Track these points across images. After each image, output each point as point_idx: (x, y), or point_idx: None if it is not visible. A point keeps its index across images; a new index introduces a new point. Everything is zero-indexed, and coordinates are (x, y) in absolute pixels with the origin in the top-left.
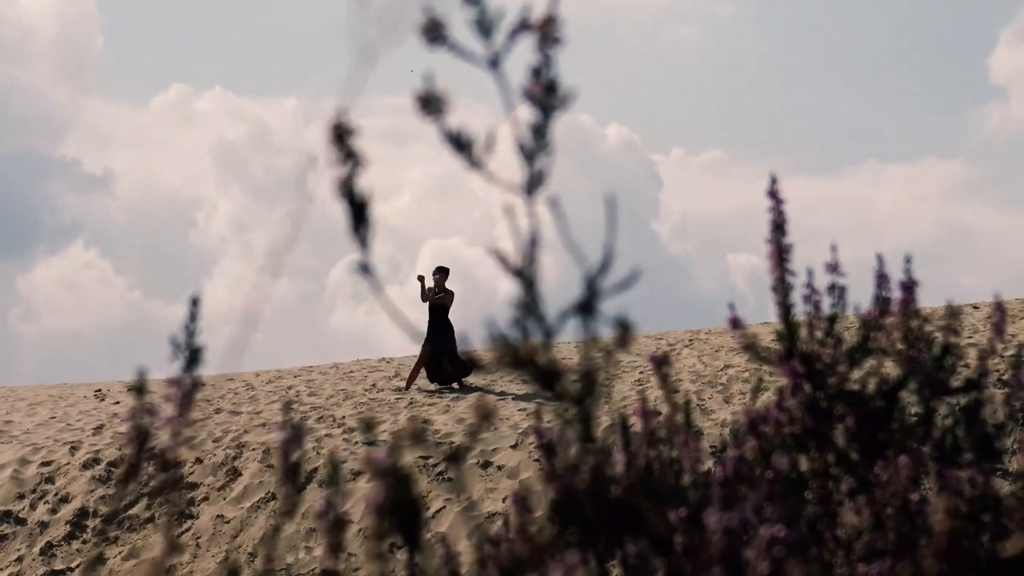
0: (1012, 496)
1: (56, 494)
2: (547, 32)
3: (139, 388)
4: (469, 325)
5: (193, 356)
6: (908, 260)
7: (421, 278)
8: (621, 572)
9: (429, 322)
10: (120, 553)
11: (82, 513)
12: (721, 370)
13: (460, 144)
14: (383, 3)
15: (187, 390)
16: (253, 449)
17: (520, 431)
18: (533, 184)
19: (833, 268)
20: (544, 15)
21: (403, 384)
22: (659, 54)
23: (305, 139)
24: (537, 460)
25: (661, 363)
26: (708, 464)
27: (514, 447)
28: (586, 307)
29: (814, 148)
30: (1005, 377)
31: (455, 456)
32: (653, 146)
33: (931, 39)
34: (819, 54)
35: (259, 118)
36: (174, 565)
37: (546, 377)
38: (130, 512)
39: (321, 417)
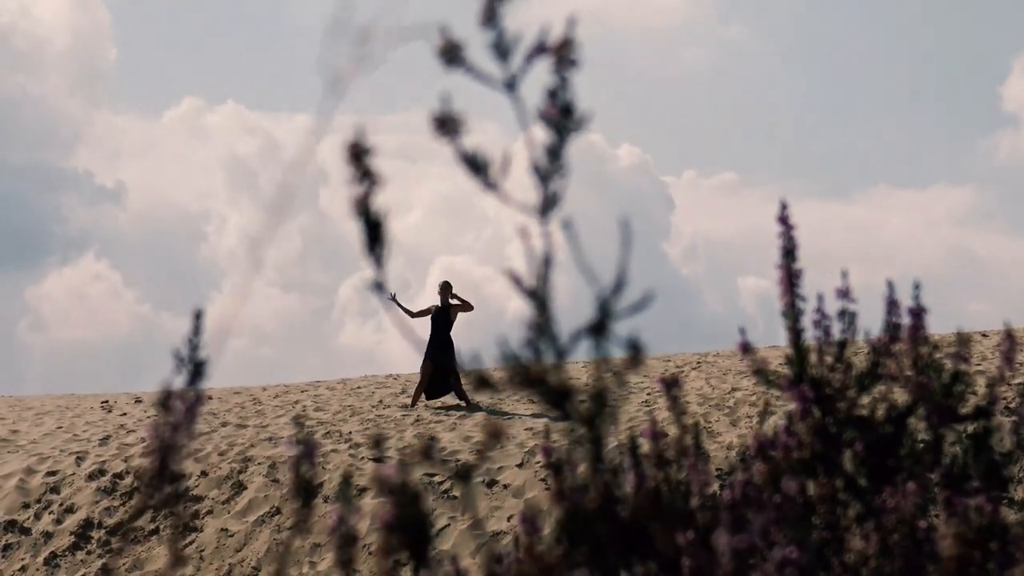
0: (1020, 525)
1: (61, 504)
2: (564, 55)
3: (164, 405)
4: (479, 343)
5: (197, 369)
6: (917, 287)
7: (393, 297)
8: None
9: (430, 336)
10: (124, 565)
11: (87, 524)
12: (728, 393)
13: (476, 166)
14: (355, 35)
15: (191, 403)
16: (259, 463)
17: (526, 450)
18: (547, 205)
19: (844, 294)
20: (561, 38)
21: (409, 401)
22: (672, 76)
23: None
24: (543, 480)
25: (671, 385)
26: (714, 487)
27: (520, 466)
28: (598, 328)
29: (825, 172)
30: (1013, 405)
31: (462, 474)
32: (665, 167)
33: (944, 66)
34: (832, 79)
35: (270, 133)
36: None
37: (556, 397)
38: (135, 524)
39: (328, 432)
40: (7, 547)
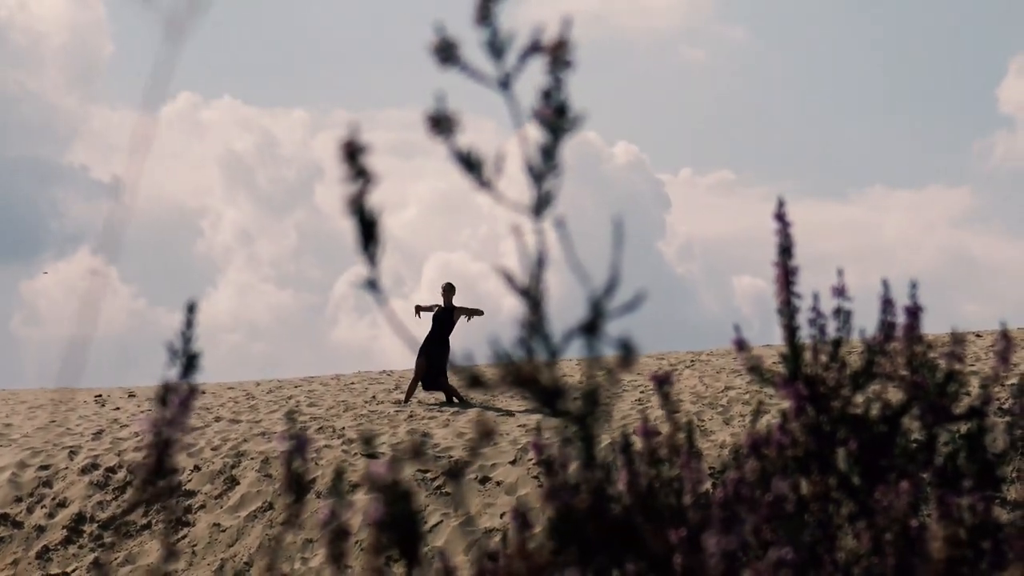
0: (1012, 525)
1: (54, 498)
2: (558, 55)
3: (163, 400)
4: (472, 341)
5: (190, 362)
6: (914, 286)
7: (418, 311)
8: None
9: (429, 334)
10: (116, 559)
11: (79, 518)
12: (722, 392)
13: (470, 164)
14: None
15: (184, 396)
16: (252, 458)
17: (519, 447)
18: (541, 205)
19: (839, 292)
20: (556, 38)
21: (403, 396)
22: (670, 75)
23: (312, 150)
24: (536, 477)
25: (663, 382)
26: (707, 485)
27: (513, 463)
28: (591, 328)
29: (821, 171)
30: (1006, 406)
31: (454, 471)
32: (662, 165)
33: (941, 68)
34: (829, 79)
35: (267, 128)
36: (170, 572)
37: (548, 396)
38: (127, 518)
39: (321, 428)
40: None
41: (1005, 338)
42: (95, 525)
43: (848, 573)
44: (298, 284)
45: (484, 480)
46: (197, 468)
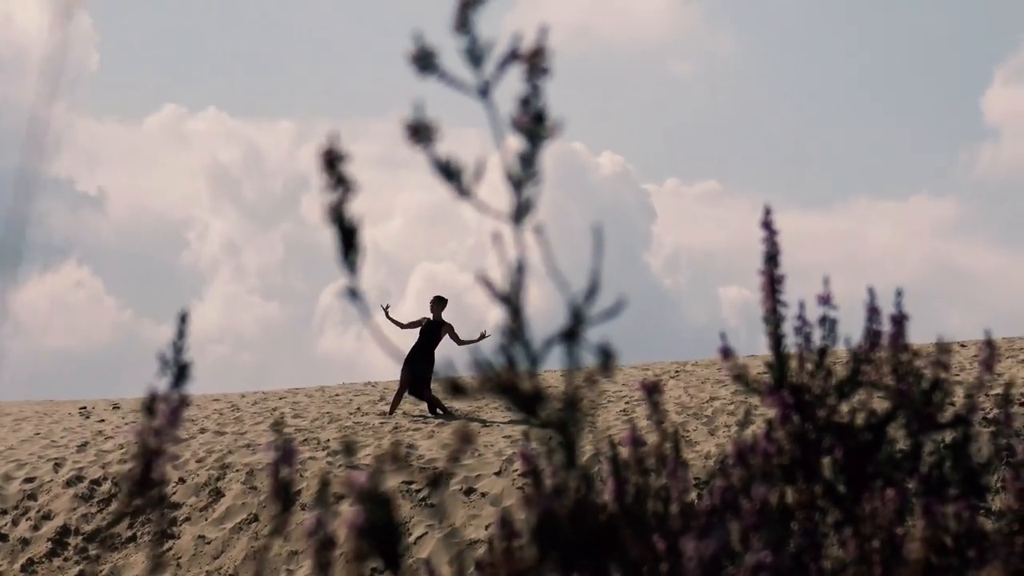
0: (997, 532)
1: (39, 511)
2: (535, 63)
3: (150, 409)
4: (458, 351)
5: (181, 373)
6: (899, 294)
7: (386, 310)
8: None
9: (415, 346)
10: (102, 571)
11: (64, 530)
12: (707, 402)
13: (449, 173)
14: None
15: (175, 407)
16: (237, 470)
17: (504, 458)
18: (521, 212)
19: (825, 300)
20: (533, 46)
21: (388, 408)
22: (658, 86)
23: (298, 161)
24: (521, 488)
25: (652, 390)
26: (692, 495)
27: (498, 474)
28: (571, 334)
29: (806, 182)
30: (990, 415)
31: (435, 481)
32: (648, 175)
33: (926, 78)
34: (815, 90)
35: (252, 139)
36: None
37: (528, 403)
38: (112, 531)
39: (305, 440)
40: None
41: (990, 346)
42: (80, 538)
43: None
44: (284, 296)
45: (469, 491)
46: (182, 480)
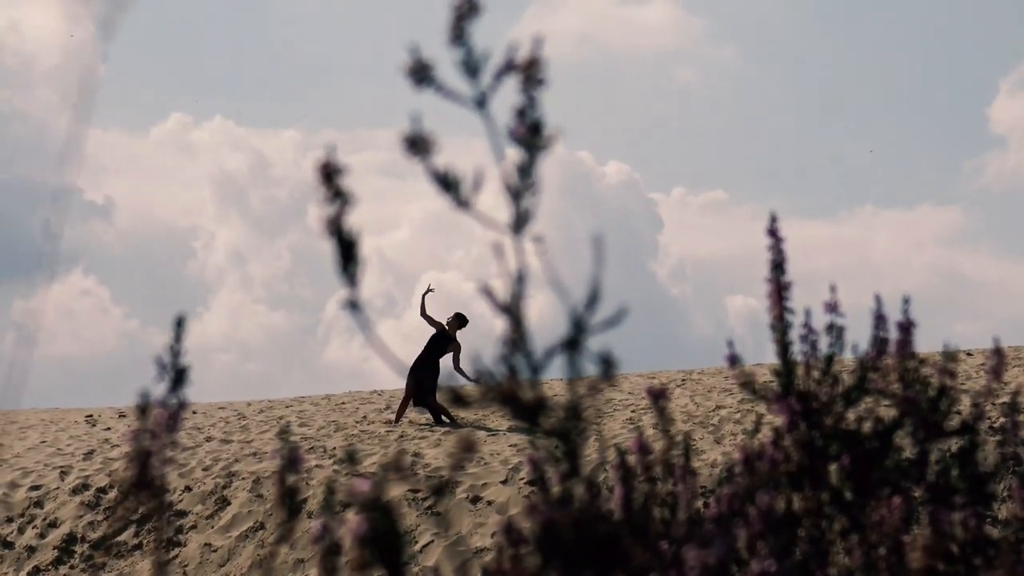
0: (1003, 540)
1: (45, 519)
2: (531, 73)
3: (143, 410)
4: (464, 360)
5: (178, 377)
6: (907, 301)
7: (429, 290)
8: None
9: (420, 354)
10: None
11: (70, 538)
12: (713, 411)
13: (447, 184)
14: None
15: (173, 411)
16: (243, 478)
17: (510, 467)
18: (520, 222)
19: (832, 308)
20: (528, 57)
21: (393, 417)
22: (661, 94)
23: (304, 170)
24: (527, 496)
25: (659, 397)
26: (699, 504)
27: (504, 482)
28: (572, 344)
29: (811, 191)
30: (996, 424)
31: (439, 489)
32: (655, 184)
33: (931, 87)
34: (820, 98)
35: (258, 148)
36: None
37: (529, 412)
38: (118, 539)
39: (311, 448)
40: None
41: (998, 354)
42: (86, 545)
43: None
44: (290, 304)
45: (475, 500)
46: (188, 488)
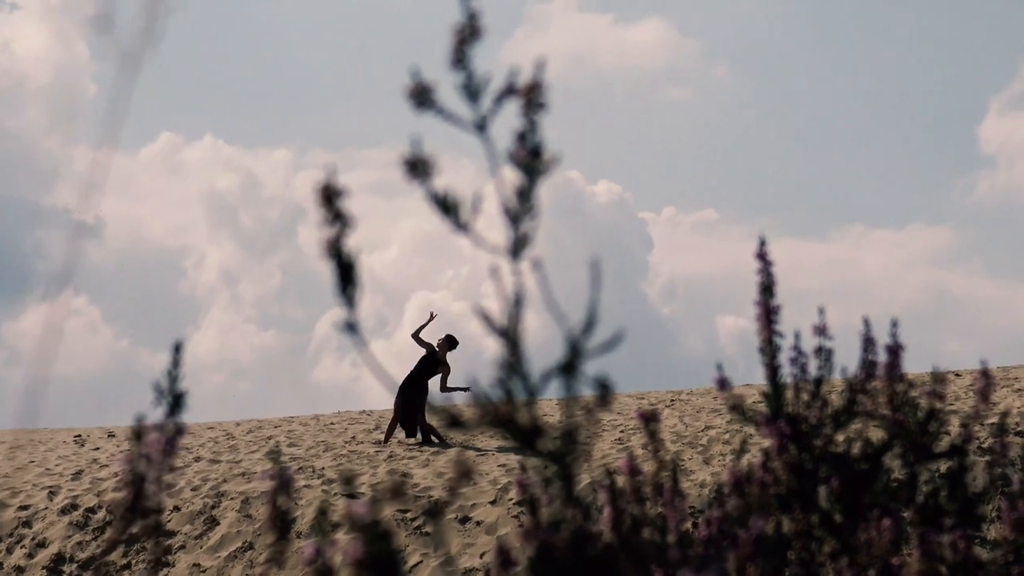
0: (993, 562)
1: (33, 539)
2: (532, 97)
3: (139, 434)
4: (453, 381)
5: (176, 401)
6: (895, 324)
7: (432, 317)
8: None
9: (409, 374)
10: None
11: (59, 558)
12: (702, 431)
13: (447, 207)
14: (131, 14)
15: (170, 435)
16: (232, 498)
17: (499, 487)
18: (518, 246)
19: (820, 331)
20: (529, 81)
21: (383, 437)
22: (653, 114)
23: (294, 189)
24: (516, 516)
25: (649, 419)
26: (687, 525)
27: (493, 503)
28: (569, 367)
29: (801, 211)
30: (986, 445)
31: (434, 511)
32: (645, 204)
33: (922, 107)
34: (811, 118)
35: (249, 168)
36: None
37: (526, 436)
38: (107, 559)
39: (300, 468)
40: None
41: (986, 376)
42: (75, 565)
43: None
44: (281, 324)
45: (464, 520)
46: (177, 508)
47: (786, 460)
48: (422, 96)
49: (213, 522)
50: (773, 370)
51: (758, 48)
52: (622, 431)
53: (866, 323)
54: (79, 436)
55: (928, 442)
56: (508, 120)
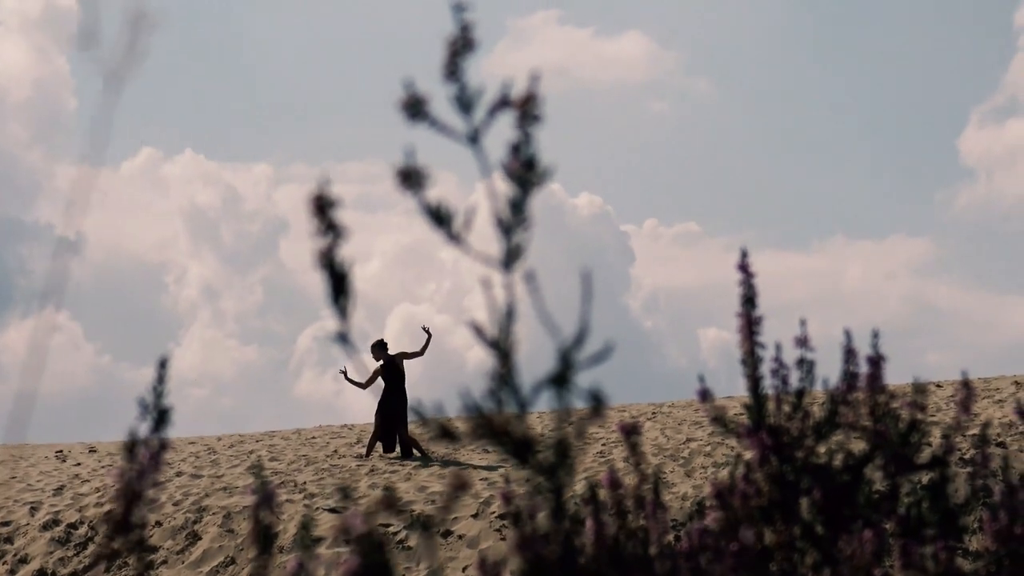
0: (975, 573)
1: (15, 555)
2: (527, 110)
3: (130, 450)
4: (440, 394)
5: (161, 417)
6: (876, 336)
7: (428, 333)
8: None
9: (384, 388)
10: None
11: (40, 574)
12: (683, 443)
13: (440, 219)
14: (115, 31)
15: (155, 451)
16: (213, 513)
17: (481, 500)
18: (511, 258)
19: (802, 343)
20: (524, 93)
21: (364, 451)
22: (635, 126)
23: (275, 204)
24: (498, 530)
25: (631, 432)
26: (669, 537)
27: (475, 516)
28: (560, 380)
29: (783, 222)
30: (967, 456)
31: (425, 525)
32: (627, 216)
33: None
34: (792, 131)
35: (229, 182)
36: None
37: (520, 448)
38: (88, 574)
39: (282, 482)
40: None
41: (966, 387)
42: None
43: None
44: (262, 338)
45: (446, 534)
46: (159, 523)
47: (768, 472)
48: (415, 108)
49: (195, 537)
50: (755, 382)
51: (739, 61)
52: (604, 444)
53: (847, 334)
54: (60, 451)
55: (909, 453)
56: (500, 132)
